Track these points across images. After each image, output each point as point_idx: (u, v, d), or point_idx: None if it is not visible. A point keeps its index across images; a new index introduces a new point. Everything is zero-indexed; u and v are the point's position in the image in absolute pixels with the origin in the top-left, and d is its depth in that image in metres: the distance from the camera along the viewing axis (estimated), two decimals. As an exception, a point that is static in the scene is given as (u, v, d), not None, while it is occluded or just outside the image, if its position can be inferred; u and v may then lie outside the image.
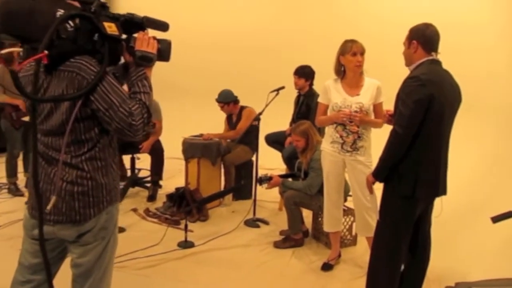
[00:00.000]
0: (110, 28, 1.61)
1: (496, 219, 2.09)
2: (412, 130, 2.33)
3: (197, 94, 7.39)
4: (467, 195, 4.52)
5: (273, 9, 7.07)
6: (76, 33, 1.52)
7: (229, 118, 5.15)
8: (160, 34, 1.79)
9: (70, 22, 1.50)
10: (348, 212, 3.75)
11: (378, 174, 2.52)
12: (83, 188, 1.65)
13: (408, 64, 2.53)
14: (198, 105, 7.22)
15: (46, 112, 1.64)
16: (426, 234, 2.67)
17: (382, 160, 2.46)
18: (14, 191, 4.94)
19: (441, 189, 2.50)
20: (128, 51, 1.73)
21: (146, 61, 1.73)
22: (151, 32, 1.78)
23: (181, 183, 4.82)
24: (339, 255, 3.50)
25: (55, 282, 1.76)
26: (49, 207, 1.56)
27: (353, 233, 3.81)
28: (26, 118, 4.65)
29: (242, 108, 4.97)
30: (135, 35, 1.73)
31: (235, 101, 4.96)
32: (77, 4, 1.59)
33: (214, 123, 5.28)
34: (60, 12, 1.49)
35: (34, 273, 1.79)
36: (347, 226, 3.80)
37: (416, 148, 2.36)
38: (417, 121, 2.32)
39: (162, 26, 1.81)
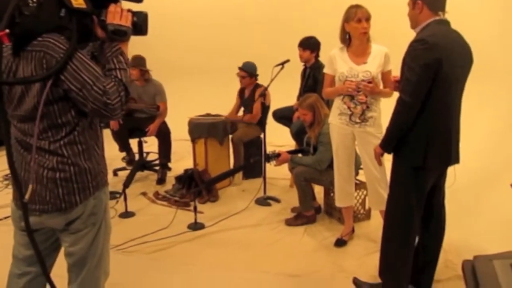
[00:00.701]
0: (76, 1, 1.50)
1: (517, 186, 1.97)
2: (420, 97, 2.18)
3: (201, 73, 7.27)
4: (482, 163, 4.38)
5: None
6: (39, 9, 1.42)
7: (241, 93, 5.03)
8: (136, 6, 1.69)
9: None
10: (360, 186, 3.65)
11: (386, 145, 2.40)
12: (65, 174, 1.58)
13: (413, 26, 2.35)
14: (203, 84, 7.13)
15: (17, 97, 1.54)
16: (440, 204, 2.55)
17: (389, 130, 2.33)
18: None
19: (453, 158, 2.36)
20: (100, 26, 1.61)
21: (119, 35, 1.61)
22: (127, 5, 1.66)
23: (189, 164, 4.76)
24: (353, 230, 3.42)
25: (53, 273, 1.72)
26: (27, 196, 1.46)
27: (366, 207, 3.71)
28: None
29: (257, 85, 4.83)
30: (108, 8, 1.61)
31: (257, 77, 4.83)
32: None
33: (219, 101, 5.19)
34: None
35: (29, 265, 1.75)
36: (359, 200, 3.70)
37: (425, 115, 2.22)
38: (424, 87, 2.17)
39: None
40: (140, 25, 1.68)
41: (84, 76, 1.47)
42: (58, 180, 1.58)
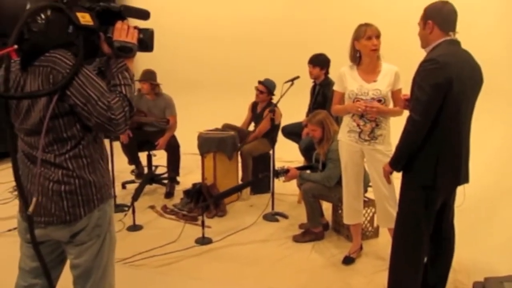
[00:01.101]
0: (84, 18, 1.54)
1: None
2: (430, 116, 2.19)
3: (211, 88, 7.33)
4: (492, 182, 4.36)
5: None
6: (47, 26, 1.45)
7: (254, 107, 5.07)
8: (142, 23, 1.72)
9: (41, 15, 1.43)
10: (369, 203, 3.63)
11: (395, 163, 2.41)
12: (70, 187, 1.60)
13: (424, 45, 2.38)
14: (213, 98, 7.17)
15: (24, 111, 1.58)
16: (450, 224, 2.54)
17: (399, 148, 2.34)
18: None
19: (462, 177, 2.37)
20: (106, 42, 1.65)
21: (125, 51, 1.65)
22: (134, 22, 1.69)
23: (198, 178, 4.77)
24: (361, 248, 3.40)
25: (58, 285, 1.73)
26: (30, 208, 1.49)
27: (375, 225, 3.69)
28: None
29: (270, 103, 4.87)
30: (115, 25, 1.65)
31: (273, 95, 4.88)
32: None
33: (229, 116, 5.20)
34: (29, 4, 1.44)
35: (35, 277, 1.76)
36: (368, 218, 3.68)
37: (435, 135, 2.23)
38: (434, 106, 2.18)
39: (142, 14, 1.72)
40: (146, 42, 1.72)
41: (90, 92, 1.51)
42: (63, 193, 1.60)
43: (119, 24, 1.64)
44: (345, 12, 6.26)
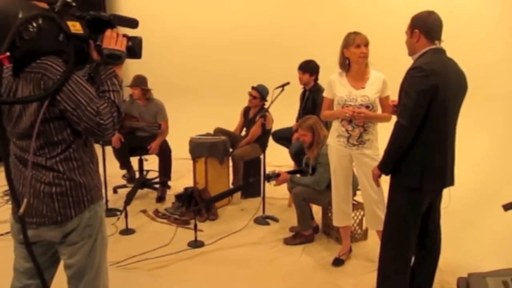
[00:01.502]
0: (74, 27, 1.59)
1: (508, 207, 2.06)
2: (417, 121, 2.29)
3: (202, 93, 7.38)
4: (477, 185, 4.47)
5: (276, 5, 7.03)
6: (39, 34, 1.49)
7: (246, 113, 5.14)
8: (131, 31, 1.79)
9: (33, 23, 1.47)
10: (357, 206, 3.72)
11: (384, 166, 2.50)
12: (61, 188, 1.65)
13: (411, 53, 2.48)
14: (204, 104, 7.22)
15: (16, 116, 1.63)
16: (436, 225, 2.63)
17: (387, 152, 2.43)
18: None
19: (448, 180, 2.46)
20: (96, 50, 1.70)
21: (114, 59, 1.71)
22: (123, 30, 1.76)
23: (189, 183, 4.82)
24: (350, 250, 3.48)
25: (53, 285, 1.78)
26: (22, 209, 1.52)
27: (363, 228, 3.78)
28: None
29: (262, 109, 4.93)
30: (105, 33, 1.71)
31: (266, 101, 4.95)
32: (44, 5, 1.57)
33: (220, 121, 5.27)
34: (22, 13, 1.46)
35: (30, 277, 1.80)
36: (357, 221, 3.77)
37: (421, 139, 2.32)
38: (421, 112, 2.28)
39: (131, 23, 1.79)
40: (134, 49, 1.79)
41: (79, 97, 1.56)
42: (54, 195, 1.65)
43: (108, 32, 1.70)
44: (335, 19, 6.38)
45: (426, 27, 2.37)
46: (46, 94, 1.52)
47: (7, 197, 5.04)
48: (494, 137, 5.35)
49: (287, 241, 3.75)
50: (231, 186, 4.83)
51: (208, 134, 4.84)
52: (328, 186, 3.46)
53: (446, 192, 2.59)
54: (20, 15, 1.45)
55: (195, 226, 3.70)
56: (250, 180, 4.68)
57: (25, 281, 1.81)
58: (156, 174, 5.18)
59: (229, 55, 7.15)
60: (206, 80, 7.39)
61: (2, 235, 3.96)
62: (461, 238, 3.55)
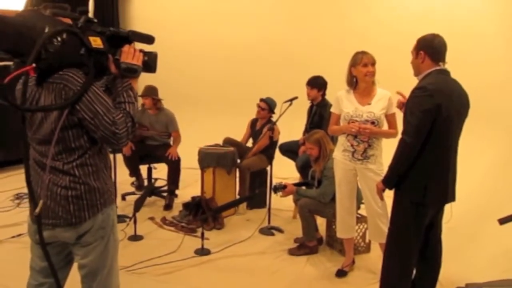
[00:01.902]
0: (95, 42, 1.70)
1: (503, 221, 2.16)
2: (420, 139, 2.40)
3: (211, 104, 7.51)
4: (479, 201, 4.55)
5: (286, 20, 7.18)
6: (62, 47, 1.59)
7: (253, 125, 5.25)
8: (147, 47, 1.90)
9: (58, 37, 1.58)
10: (361, 219, 3.80)
11: (388, 181, 2.60)
12: (76, 192, 1.76)
13: (416, 74, 2.60)
14: (212, 115, 7.34)
15: (38, 122, 1.75)
16: (437, 239, 2.72)
17: (391, 168, 2.54)
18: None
19: (450, 196, 2.56)
20: (114, 63, 1.82)
21: (131, 72, 1.82)
22: (140, 45, 1.88)
23: (196, 192, 4.92)
24: (353, 262, 3.56)
25: (66, 285, 1.88)
26: (37, 209, 1.62)
27: (367, 240, 3.86)
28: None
29: (269, 121, 5.05)
30: (123, 48, 1.83)
31: (273, 113, 5.05)
32: (68, 20, 1.70)
33: (228, 132, 5.38)
34: (48, 28, 1.57)
35: (45, 276, 1.90)
36: (360, 233, 3.85)
37: (425, 156, 2.43)
38: (425, 130, 2.39)
39: (148, 39, 1.90)
40: (149, 64, 1.91)
41: (97, 107, 1.67)
42: (70, 197, 1.75)
43: (126, 48, 1.83)
44: (342, 37, 6.52)
45: (431, 49, 2.50)
46: (67, 103, 1.64)
47: (17, 201, 5.16)
48: (497, 154, 5.42)
49: (292, 252, 3.83)
50: (237, 197, 4.92)
51: (216, 145, 4.96)
52: (333, 199, 3.54)
53: (447, 207, 2.68)
54: (46, 30, 1.56)
55: (202, 234, 3.80)
56: (256, 191, 4.78)
57: (40, 279, 1.92)
58: (164, 182, 5.29)
59: (239, 68, 7.28)
60: (215, 91, 7.52)
61: (14, 237, 4.06)
62: (461, 253, 3.61)
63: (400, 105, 2.80)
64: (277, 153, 5.02)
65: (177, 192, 5.14)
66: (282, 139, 5.06)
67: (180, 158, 5.04)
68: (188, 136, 5.51)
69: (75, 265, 1.96)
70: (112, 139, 1.69)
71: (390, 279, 2.66)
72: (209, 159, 4.70)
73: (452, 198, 2.59)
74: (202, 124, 7.24)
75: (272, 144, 4.63)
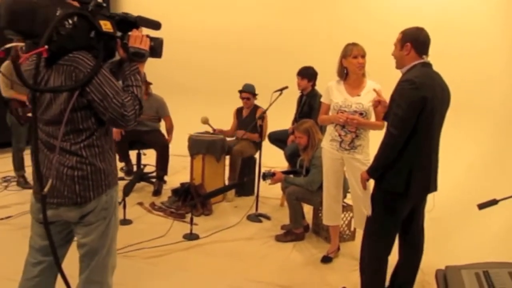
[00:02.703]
0: (105, 25, 1.75)
1: (482, 206, 2.26)
2: (406, 131, 2.44)
3: (201, 92, 7.54)
4: (463, 192, 4.67)
5: (277, 10, 7.22)
6: (73, 30, 1.64)
7: (238, 113, 5.30)
8: (154, 33, 1.96)
9: (69, 20, 1.62)
10: (347, 208, 3.90)
11: (373, 171, 2.65)
12: (82, 172, 1.80)
13: (399, 66, 2.63)
14: (202, 103, 7.36)
15: (46, 103, 1.78)
16: (420, 228, 2.80)
17: (377, 159, 2.59)
18: (23, 184, 5.08)
19: (432, 186, 2.63)
20: (122, 48, 1.87)
21: (138, 57, 1.87)
22: (146, 31, 1.92)
23: (185, 179, 4.97)
24: (338, 249, 3.66)
25: (64, 263, 1.92)
26: (46, 189, 1.68)
27: (352, 228, 3.96)
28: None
29: (256, 106, 5.12)
30: (130, 33, 1.87)
31: (256, 94, 5.12)
32: (76, 4, 1.73)
33: (218, 120, 5.42)
34: (60, 11, 1.61)
35: (44, 255, 1.93)
36: (346, 222, 3.95)
37: (409, 148, 2.47)
38: (411, 122, 2.43)
39: (155, 25, 1.95)
40: (156, 49, 1.95)
41: (106, 90, 1.72)
42: (76, 178, 1.79)
43: (134, 32, 1.86)
44: (333, 29, 6.60)
45: (417, 41, 2.52)
46: (77, 85, 1.67)
47: (5, 183, 5.16)
48: (481, 148, 5.57)
49: (279, 238, 3.92)
50: (226, 183, 4.99)
51: (206, 132, 5.00)
52: (320, 187, 3.62)
53: (430, 197, 2.77)
54: (58, 13, 1.60)
55: (191, 219, 3.86)
56: (245, 179, 4.85)
57: (39, 257, 1.94)
58: (153, 168, 5.33)
59: (230, 56, 7.32)
60: (205, 79, 7.55)
61: (2, 219, 4.08)
62: (444, 242, 3.74)
63: (376, 104, 2.86)
64: (266, 141, 5.08)
65: (165, 178, 5.19)
66: (272, 128, 5.12)
67: (168, 144, 5.08)
68: (176, 123, 5.53)
69: (73, 244, 2.00)
70: (120, 120, 1.74)
71: (366, 264, 2.74)
72: (199, 146, 4.75)
73: (434, 188, 2.67)
74: (191, 112, 7.22)
75: (261, 130, 4.68)
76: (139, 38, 1.86)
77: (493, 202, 2.22)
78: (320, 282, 3.24)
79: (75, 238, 1.96)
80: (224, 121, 5.44)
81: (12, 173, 5.28)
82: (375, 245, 2.69)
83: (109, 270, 2.01)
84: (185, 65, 7.67)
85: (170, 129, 5.16)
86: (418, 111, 2.42)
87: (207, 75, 7.55)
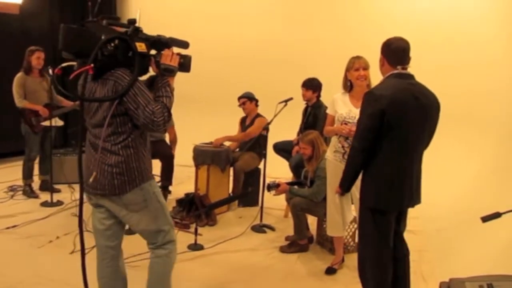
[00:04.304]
0: (141, 47, 2.12)
1: (485, 219, 2.25)
2: (365, 142, 2.41)
3: (206, 103, 7.59)
4: (468, 204, 4.65)
5: (283, 22, 7.28)
6: (115, 51, 2.00)
7: (243, 121, 5.35)
8: (183, 50, 2.31)
9: (111, 43, 1.98)
10: (351, 219, 3.89)
11: (342, 183, 2.65)
12: (119, 169, 2.15)
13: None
14: (207, 113, 7.44)
15: (93, 110, 2.15)
16: (400, 241, 2.71)
17: (344, 172, 2.61)
18: (29, 193, 5.13)
19: (406, 201, 2.53)
20: (155, 64, 2.23)
21: (169, 72, 2.21)
22: (176, 49, 2.27)
23: (189, 189, 4.99)
24: (343, 260, 3.65)
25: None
26: (91, 179, 2.14)
27: (356, 240, 3.95)
28: (45, 123, 4.86)
29: (258, 115, 5.16)
30: (163, 52, 2.22)
31: (257, 102, 5.18)
32: (119, 28, 2.12)
33: (223, 131, 5.45)
34: (104, 35, 1.97)
35: (112, 235, 2.36)
36: (350, 233, 3.95)
37: (377, 161, 2.43)
38: (369, 134, 2.39)
39: (183, 44, 2.32)
40: (185, 65, 2.30)
41: (140, 100, 2.04)
42: (114, 174, 2.14)
43: (166, 51, 2.21)
44: (339, 40, 6.65)
45: (387, 52, 2.50)
46: (116, 96, 2.02)
47: (11, 193, 5.21)
48: (485, 160, 5.56)
49: (283, 249, 3.92)
50: (230, 194, 5.00)
51: (211, 143, 5.03)
52: (325, 199, 3.63)
53: (421, 211, 2.70)
54: (103, 37, 1.97)
55: (196, 229, 3.88)
56: (249, 189, 4.86)
57: (108, 235, 2.36)
58: (158, 178, 5.34)
59: (235, 67, 7.37)
60: (210, 90, 7.60)
61: (8, 228, 4.11)
62: (447, 253, 3.73)
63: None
64: (270, 152, 5.10)
65: (170, 188, 5.21)
66: (277, 138, 5.14)
67: (173, 154, 5.11)
68: (181, 134, 5.58)
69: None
70: (151, 125, 2.05)
71: (365, 280, 2.69)
72: (204, 156, 4.77)
73: (415, 201, 2.58)
74: (196, 122, 7.31)
75: (261, 140, 4.71)
76: (169, 56, 2.21)
77: (497, 215, 2.22)
78: (324, 293, 3.23)
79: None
80: (229, 132, 5.45)
81: (18, 182, 5.33)
82: (371, 262, 2.62)
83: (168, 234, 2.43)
84: (190, 75, 7.52)
85: (174, 141, 5.20)
86: (377, 123, 2.36)
87: (212, 85, 7.60)
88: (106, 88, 2.06)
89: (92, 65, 1.91)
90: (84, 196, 2.13)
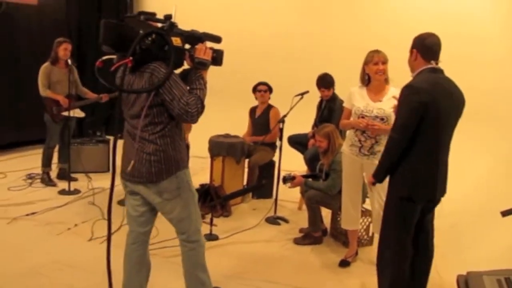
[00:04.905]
0: (176, 41, 2.20)
1: (505, 213, 2.26)
2: (405, 135, 2.47)
3: (221, 95, 7.57)
4: (481, 198, 4.64)
5: (298, 15, 7.26)
6: (152, 45, 2.10)
7: (252, 112, 5.37)
8: (216, 45, 2.40)
9: (149, 37, 2.08)
10: (366, 213, 3.92)
11: (377, 175, 2.69)
12: (157, 157, 2.24)
13: (412, 72, 2.64)
14: (222, 105, 7.43)
15: (132, 101, 2.26)
16: (427, 234, 2.76)
17: (380, 163, 2.65)
18: (47, 181, 5.23)
19: (439, 192, 2.61)
20: (190, 58, 2.32)
21: (202, 65, 2.29)
22: (210, 44, 2.37)
23: (204, 180, 5.03)
24: (356, 253, 3.68)
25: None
26: (129, 168, 2.22)
27: (370, 233, 3.98)
28: (66, 113, 4.94)
29: (270, 106, 5.17)
30: (197, 46, 2.31)
31: (271, 90, 5.23)
32: (156, 24, 2.22)
33: (237, 122, 5.50)
34: (142, 30, 2.07)
35: (146, 220, 2.49)
36: (364, 227, 3.97)
37: (413, 153, 2.50)
38: (410, 127, 2.45)
39: (216, 39, 2.40)
40: (217, 59, 2.40)
41: (175, 92, 2.14)
42: (152, 162, 2.24)
43: (199, 46, 2.30)
44: (355, 34, 6.59)
45: (422, 47, 2.54)
46: (153, 88, 2.11)
47: (30, 180, 5.31)
48: (497, 156, 5.52)
49: (297, 241, 3.96)
50: (244, 186, 5.04)
51: (227, 135, 5.06)
52: (340, 192, 3.66)
53: (442, 202, 2.74)
54: (141, 32, 2.06)
55: (211, 220, 3.92)
56: (264, 182, 4.89)
57: (140, 221, 2.48)
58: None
59: (250, 61, 7.36)
60: (224, 82, 7.53)
61: (28, 215, 4.21)
62: (462, 247, 3.73)
63: (395, 109, 2.87)
64: (285, 145, 5.12)
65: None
66: (292, 131, 5.15)
67: (189, 145, 5.15)
68: (196, 126, 5.59)
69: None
70: (185, 116, 2.14)
71: (384, 273, 2.71)
72: (219, 148, 4.81)
73: (442, 194, 2.65)
74: (210, 114, 7.30)
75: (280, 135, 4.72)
76: (203, 50, 2.29)
77: (518, 210, 2.22)
78: (337, 286, 3.27)
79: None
80: (244, 124, 5.51)
81: (36, 170, 5.43)
82: (392, 252, 2.67)
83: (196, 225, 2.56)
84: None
85: (187, 129, 5.19)
86: (418, 116, 2.43)
87: (228, 78, 7.57)
88: (144, 80, 2.16)
89: (131, 58, 2.00)
90: (119, 183, 2.23)
